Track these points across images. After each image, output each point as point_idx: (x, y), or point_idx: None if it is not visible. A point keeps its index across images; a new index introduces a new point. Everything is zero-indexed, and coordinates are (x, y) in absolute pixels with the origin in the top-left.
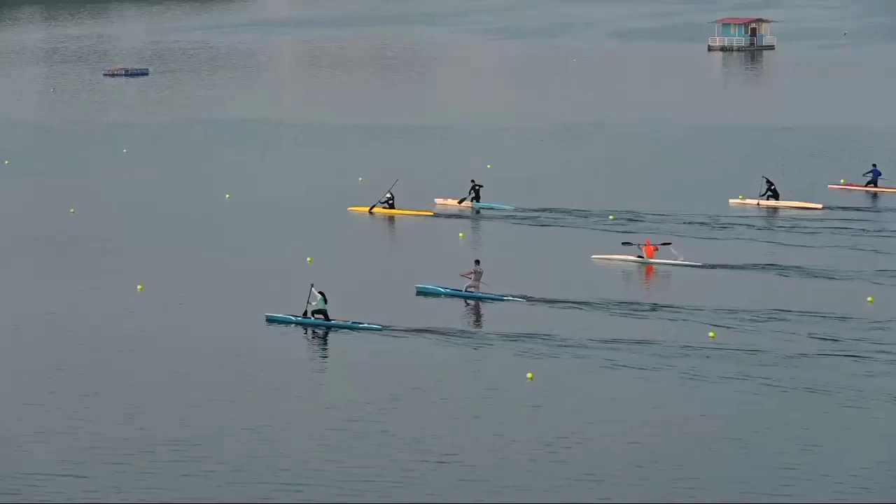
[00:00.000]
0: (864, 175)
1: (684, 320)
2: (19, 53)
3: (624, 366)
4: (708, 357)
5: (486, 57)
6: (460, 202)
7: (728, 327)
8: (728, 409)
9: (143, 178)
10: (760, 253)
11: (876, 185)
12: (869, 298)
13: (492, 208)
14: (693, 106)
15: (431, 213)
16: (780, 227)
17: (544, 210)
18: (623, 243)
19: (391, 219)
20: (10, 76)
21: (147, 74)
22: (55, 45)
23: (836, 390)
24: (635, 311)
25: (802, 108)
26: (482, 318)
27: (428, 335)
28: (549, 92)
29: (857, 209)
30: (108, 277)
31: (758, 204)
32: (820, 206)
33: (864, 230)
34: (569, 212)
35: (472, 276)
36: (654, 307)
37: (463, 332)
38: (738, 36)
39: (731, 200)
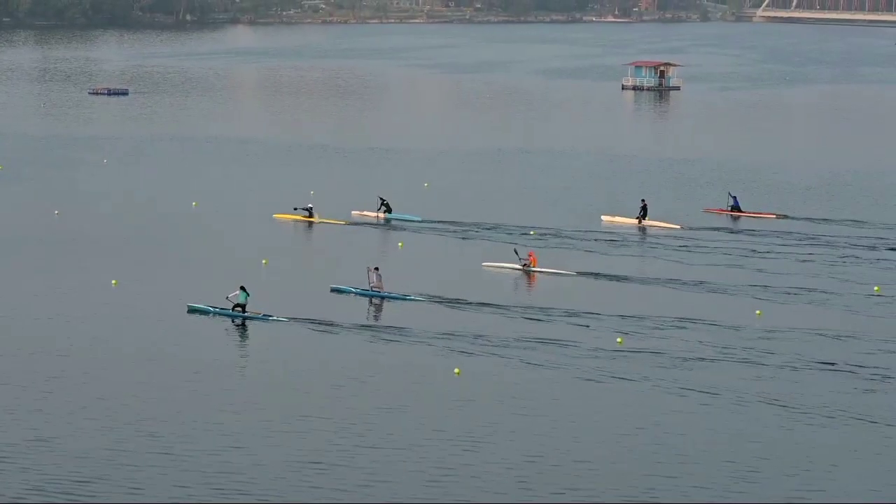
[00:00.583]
0: (727, 203)
1: (561, 321)
2: (14, 72)
3: (524, 361)
4: (587, 357)
5: (425, 88)
6: (375, 214)
7: (589, 328)
8: (612, 400)
9: (120, 186)
10: (625, 264)
11: (740, 211)
12: (759, 313)
13: (402, 219)
14: (604, 137)
15: (345, 223)
16: (645, 242)
17: (449, 222)
18: (514, 250)
19: (310, 225)
20: (6, 92)
21: (127, 94)
22: (46, 66)
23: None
24: (520, 313)
25: (700, 142)
26: (384, 315)
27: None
28: (479, 120)
29: (714, 229)
30: (85, 273)
31: (637, 221)
32: (679, 226)
33: (707, 247)
34: (471, 224)
35: (373, 277)
36: (538, 309)
37: (368, 326)
38: (649, 77)
39: (603, 217)
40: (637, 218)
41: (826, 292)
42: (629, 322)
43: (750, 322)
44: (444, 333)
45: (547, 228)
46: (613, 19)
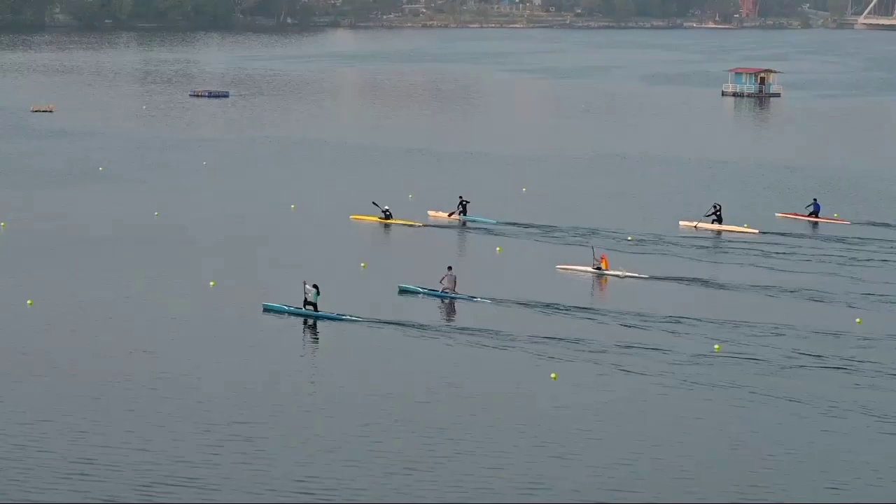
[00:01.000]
0: (805, 207)
1: (635, 326)
2: (116, 74)
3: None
4: (661, 360)
5: (525, 93)
6: (450, 215)
7: (670, 332)
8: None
9: (219, 188)
10: (697, 268)
11: (817, 216)
12: (858, 320)
13: (475, 221)
14: (704, 143)
15: (421, 224)
16: (718, 247)
17: (524, 225)
18: (592, 248)
19: (387, 226)
20: (108, 94)
21: (228, 96)
22: (148, 68)
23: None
24: (594, 315)
25: (800, 148)
26: (455, 316)
27: (405, 329)
28: (580, 126)
29: (790, 234)
30: (184, 273)
31: (695, 226)
32: (756, 231)
33: (787, 253)
34: (549, 227)
35: (446, 279)
36: (608, 312)
37: (438, 328)
38: (749, 84)
39: (681, 222)
40: (709, 220)
41: None
42: (717, 327)
43: (851, 328)
44: (521, 337)
45: (635, 233)
46: (714, 25)
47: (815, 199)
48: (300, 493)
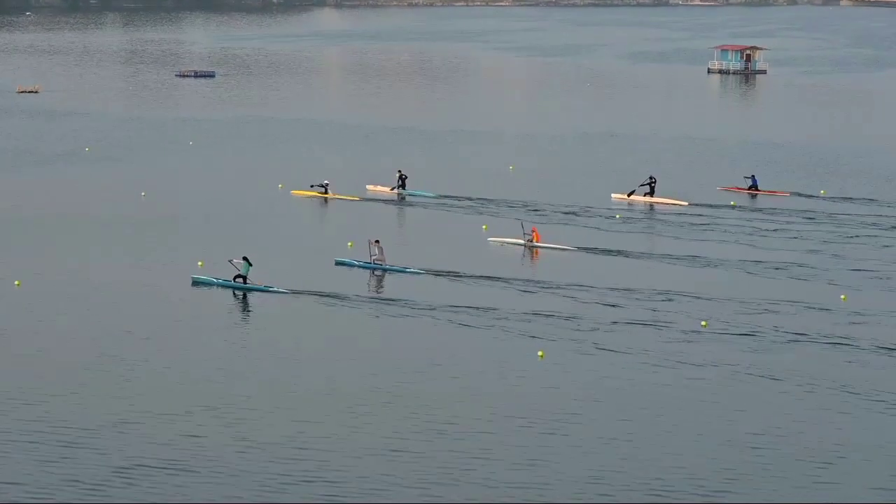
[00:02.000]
0: (744, 179)
1: (564, 295)
2: (102, 53)
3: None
4: (592, 330)
5: (511, 71)
6: (391, 189)
7: (590, 302)
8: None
9: (205, 167)
10: (622, 239)
11: (756, 189)
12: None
13: (414, 195)
14: (689, 120)
15: (359, 198)
16: (646, 220)
17: (462, 198)
18: (521, 224)
19: (325, 201)
20: (94, 74)
21: (214, 76)
22: (134, 48)
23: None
24: (522, 286)
25: (786, 125)
26: (384, 287)
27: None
28: (564, 104)
29: (718, 207)
30: (168, 252)
31: (628, 196)
32: (686, 202)
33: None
34: (486, 201)
35: (375, 250)
36: (539, 283)
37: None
38: (735, 61)
39: (613, 195)
40: (644, 194)
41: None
42: (640, 297)
43: (838, 305)
44: (439, 306)
45: (571, 205)
46: (700, 3)
47: (752, 175)
48: (238, 467)
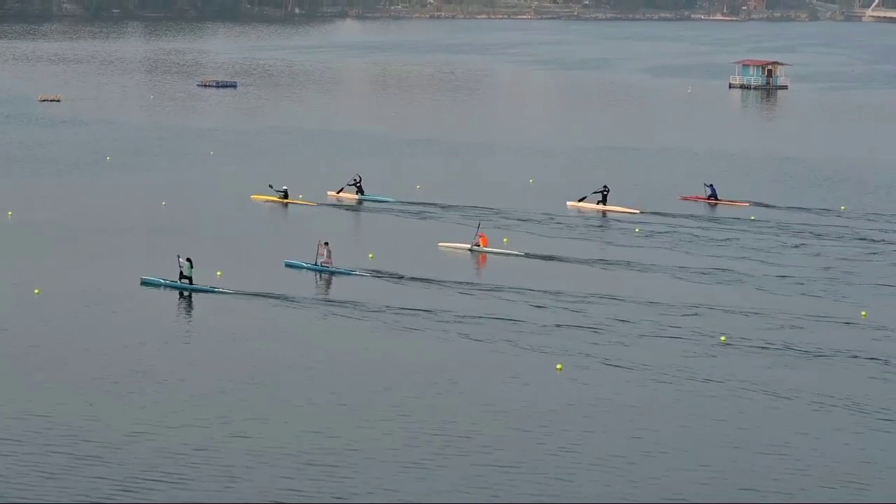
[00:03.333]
0: (705, 188)
1: (507, 299)
2: (124, 63)
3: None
4: (530, 333)
5: (532, 84)
6: (339, 192)
7: (541, 307)
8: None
9: (226, 177)
10: (572, 246)
11: (716, 199)
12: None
13: (375, 200)
14: (711, 135)
15: (316, 204)
16: (597, 227)
17: (422, 204)
18: (478, 224)
19: (285, 206)
20: (115, 83)
21: (236, 87)
22: (155, 58)
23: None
24: (464, 290)
25: (807, 141)
26: (329, 289)
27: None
28: (585, 118)
29: (670, 215)
30: (202, 262)
31: (577, 206)
32: (637, 210)
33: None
34: (447, 207)
35: (325, 253)
36: (485, 287)
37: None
38: (757, 76)
39: (567, 202)
40: (597, 202)
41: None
42: (583, 302)
43: (858, 321)
44: (386, 307)
45: (529, 211)
46: (722, 17)
47: (710, 184)
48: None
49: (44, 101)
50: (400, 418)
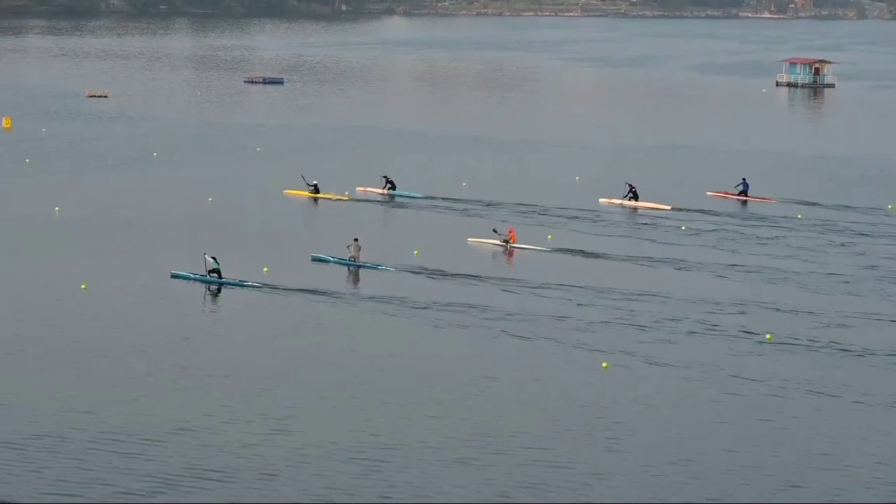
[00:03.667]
0: (735, 186)
1: (541, 296)
2: (171, 59)
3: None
4: (554, 327)
5: (579, 81)
6: (382, 188)
7: (568, 300)
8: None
9: (273, 174)
10: (601, 242)
11: (746, 195)
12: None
13: (405, 196)
14: (757, 133)
15: (348, 198)
16: (635, 223)
17: (452, 199)
18: (493, 230)
19: (315, 201)
20: (163, 79)
21: (282, 83)
22: (202, 54)
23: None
24: (501, 285)
25: (854, 139)
26: (357, 284)
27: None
28: (632, 115)
29: (704, 212)
30: (233, 257)
31: (622, 204)
32: (668, 206)
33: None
34: (479, 202)
35: (352, 248)
36: (516, 282)
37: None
38: (804, 74)
39: (600, 199)
40: (630, 199)
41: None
42: (615, 298)
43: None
44: (421, 303)
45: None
46: (769, 15)
47: (743, 179)
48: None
49: (91, 96)
50: (442, 416)
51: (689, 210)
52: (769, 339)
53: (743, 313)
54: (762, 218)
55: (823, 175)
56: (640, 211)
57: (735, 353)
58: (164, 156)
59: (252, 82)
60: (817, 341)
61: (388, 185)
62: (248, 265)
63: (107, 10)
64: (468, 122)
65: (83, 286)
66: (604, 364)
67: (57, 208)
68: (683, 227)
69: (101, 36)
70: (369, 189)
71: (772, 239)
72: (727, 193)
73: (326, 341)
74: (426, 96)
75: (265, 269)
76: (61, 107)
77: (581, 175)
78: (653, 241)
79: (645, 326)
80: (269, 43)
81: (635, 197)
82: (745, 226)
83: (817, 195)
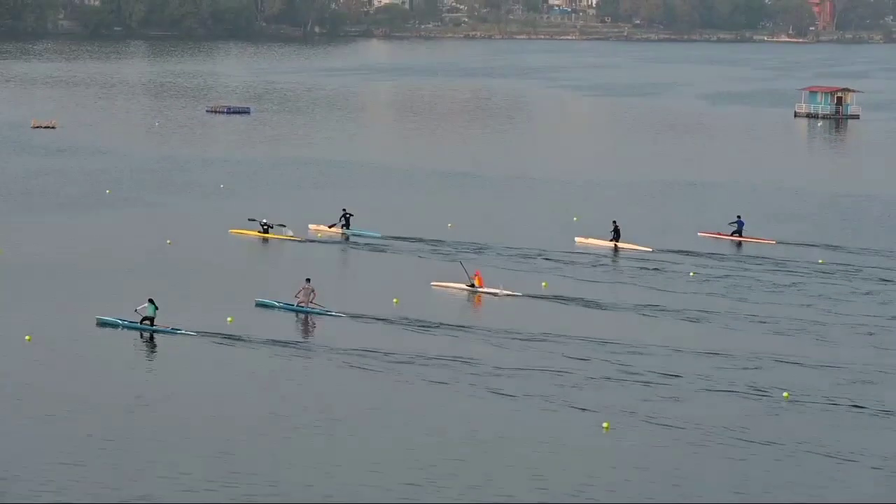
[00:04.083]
0: (728, 225)
1: (498, 342)
2: (126, 86)
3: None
4: (511, 377)
5: (577, 112)
6: (330, 227)
7: (552, 352)
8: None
9: (237, 214)
10: (575, 286)
11: (740, 235)
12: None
13: (360, 235)
14: (774, 168)
15: (300, 239)
16: (607, 265)
17: (410, 239)
18: (461, 263)
19: (265, 241)
20: (117, 108)
21: (249, 113)
22: (161, 80)
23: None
24: (463, 332)
25: (880, 177)
26: (300, 330)
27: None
28: (636, 149)
29: (685, 253)
30: (195, 302)
31: (614, 246)
32: (650, 248)
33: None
34: (437, 242)
35: (302, 293)
36: (480, 329)
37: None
38: (825, 104)
39: (576, 238)
40: (610, 239)
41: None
42: (577, 344)
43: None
44: (371, 351)
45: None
46: (787, 39)
47: (738, 217)
48: None
49: (37, 127)
50: (423, 483)
51: (673, 251)
52: (786, 397)
53: (757, 368)
54: (780, 262)
55: (847, 215)
56: (632, 253)
57: (749, 412)
58: (117, 193)
59: (215, 112)
60: (839, 400)
61: (343, 223)
62: (191, 311)
63: (55, 31)
64: (454, 156)
65: (27, 337)
66: (605, 425)
67: (0, 250)
68: (692, 273)
69: (48, 60)
70: (321, 228)
71: (789, 286)
72: (719, 234)
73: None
74: (407, 128)
75: (229, 319)
76: (3, 139)
77: (579, 214)
78: (653, 287)
79: (647, 382)
80: (234, 69)
81: (616, 236)
82: (757, 271)
83: (840, 238)
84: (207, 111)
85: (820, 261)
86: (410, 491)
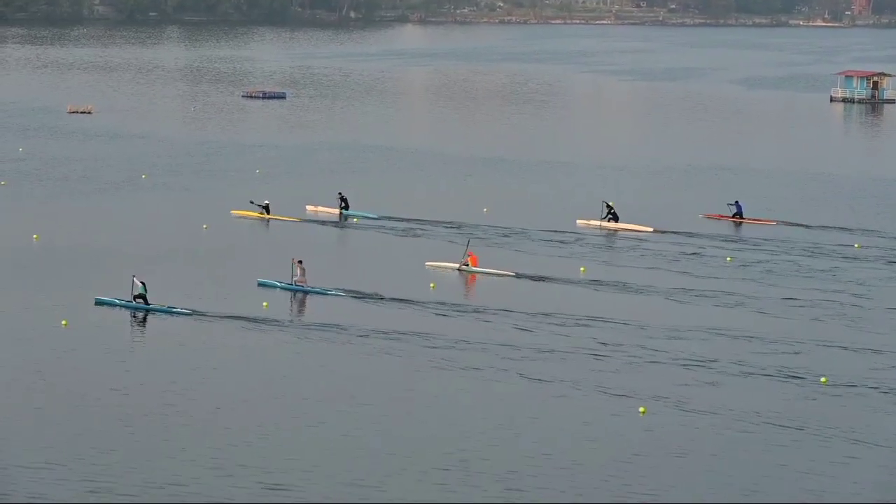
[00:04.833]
0: (728, 206)
1: (494, 322)
2: (162, 71)
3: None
4: (503, 357)
5: (611, 96)
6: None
7: (528, 330)
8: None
9: (274, 199)
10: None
11: (740, 217)
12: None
13: (358, 216)
14: (809, 154)
15: (299, 219)
16: (606, 245)
17: (404, 220)
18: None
19: (267, 222)
20: (153, 93)
21: (284, 97)
22: (196, 66)
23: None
24: (455, 311)
25: None
26: (299, 309)
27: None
28: (669, 134)
29: (687, 234)
30: (225, 284)
31: (600, 226)
32: (651, 228)
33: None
34: (430, 222)
35: (299, 272)
36: (473, 309)
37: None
38: (861, 89)
39: (577, 220)
40: (605, 219)
41: None
42: (566, 324)
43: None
44: (364, 330)
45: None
46: (823, 23)
47: (736, 201)
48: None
49: (73, 112)
50: (449, 465)
51: (676, 232)
52: (824, 382)
53: (795, 353)
54: (816, 247)
55: (884, 201)
56: (670, 237)
57: (787, 398)
58: (153, 178)
59: (251, 97)
60: (877, 384)
61: (342, 204)
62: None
63: (91, 17)
64: (489, 140)
65: (64, 322)
66: (641, 409)
67: (35, 236)
68: (728, 259)
69: (84, 46)
70: (320, 209)
71: (826, 271)
72: (721, 216)
73: (261, 373)
74: (442, 113)
75: (265, 304)
76: (40, 123)
77: (615, 199)
78: (688, 272)
79: (685, 365)
80: (269, 53)
81: (614, 217)
82: (791, 255)
83: (875, 222)
84: (243, 96)
85: (856, 245)
86: (447, 476)
